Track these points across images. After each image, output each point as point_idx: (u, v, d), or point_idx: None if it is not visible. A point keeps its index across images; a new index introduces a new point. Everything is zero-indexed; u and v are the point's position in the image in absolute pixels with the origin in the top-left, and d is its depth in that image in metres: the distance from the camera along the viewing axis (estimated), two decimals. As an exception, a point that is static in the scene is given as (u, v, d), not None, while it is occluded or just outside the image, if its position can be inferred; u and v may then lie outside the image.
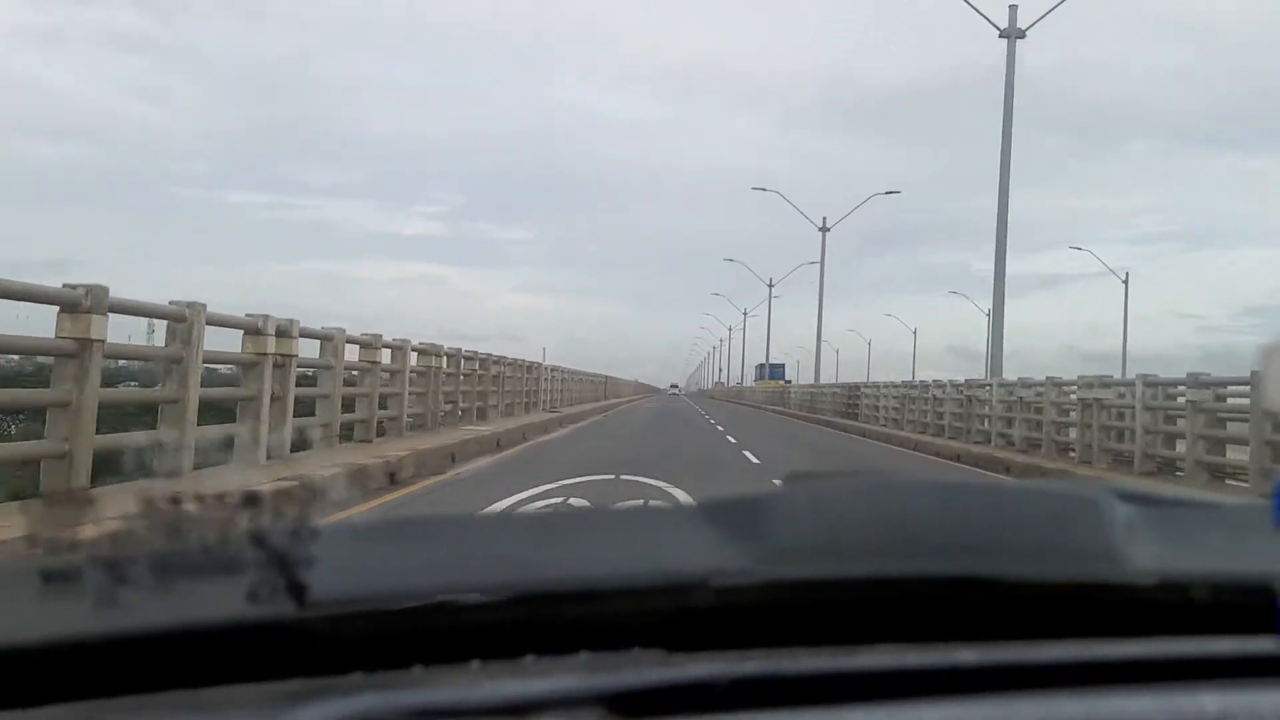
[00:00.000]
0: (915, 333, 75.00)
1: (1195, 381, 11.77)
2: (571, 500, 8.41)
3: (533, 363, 25.33)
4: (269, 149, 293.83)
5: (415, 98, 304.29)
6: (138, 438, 7.69)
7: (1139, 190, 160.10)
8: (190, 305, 8.34)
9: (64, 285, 6.68)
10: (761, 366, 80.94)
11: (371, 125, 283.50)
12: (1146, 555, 0.76)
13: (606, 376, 52.31)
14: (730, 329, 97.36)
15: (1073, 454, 14.77)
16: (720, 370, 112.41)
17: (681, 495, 8.51)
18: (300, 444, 10.35)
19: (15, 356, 8.02)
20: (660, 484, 9.33)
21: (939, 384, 22.17)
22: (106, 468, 6.83)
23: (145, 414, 8.55)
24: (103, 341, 6.82)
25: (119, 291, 7.13)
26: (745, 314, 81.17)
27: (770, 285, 61.20)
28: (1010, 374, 19.56)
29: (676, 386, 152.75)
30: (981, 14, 21.89)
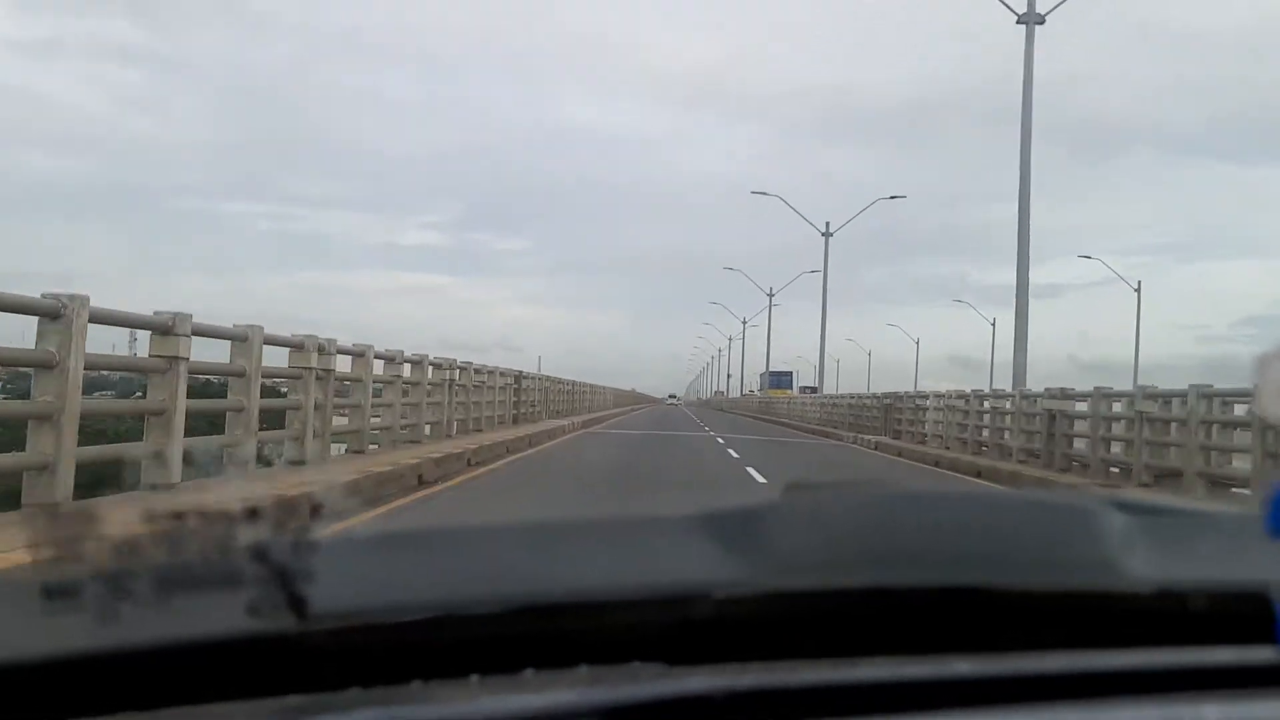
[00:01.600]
0: (918, 343, 73.30)
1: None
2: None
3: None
4: (267, 160, 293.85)
5: (414, 109, 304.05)
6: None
7: (1137, 201, 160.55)
8: (71, 298, 6.73)
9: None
10: (774, 374, 76.92)
11: (370, 136, 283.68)
12: (1144, 564, 0.76)
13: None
14: (730, 339, 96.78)
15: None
16: (728, 377, 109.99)
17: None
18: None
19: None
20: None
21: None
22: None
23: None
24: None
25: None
26: (745, 323, 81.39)
27: (770, 294, 61.51)
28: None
29: (675, 397, 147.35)
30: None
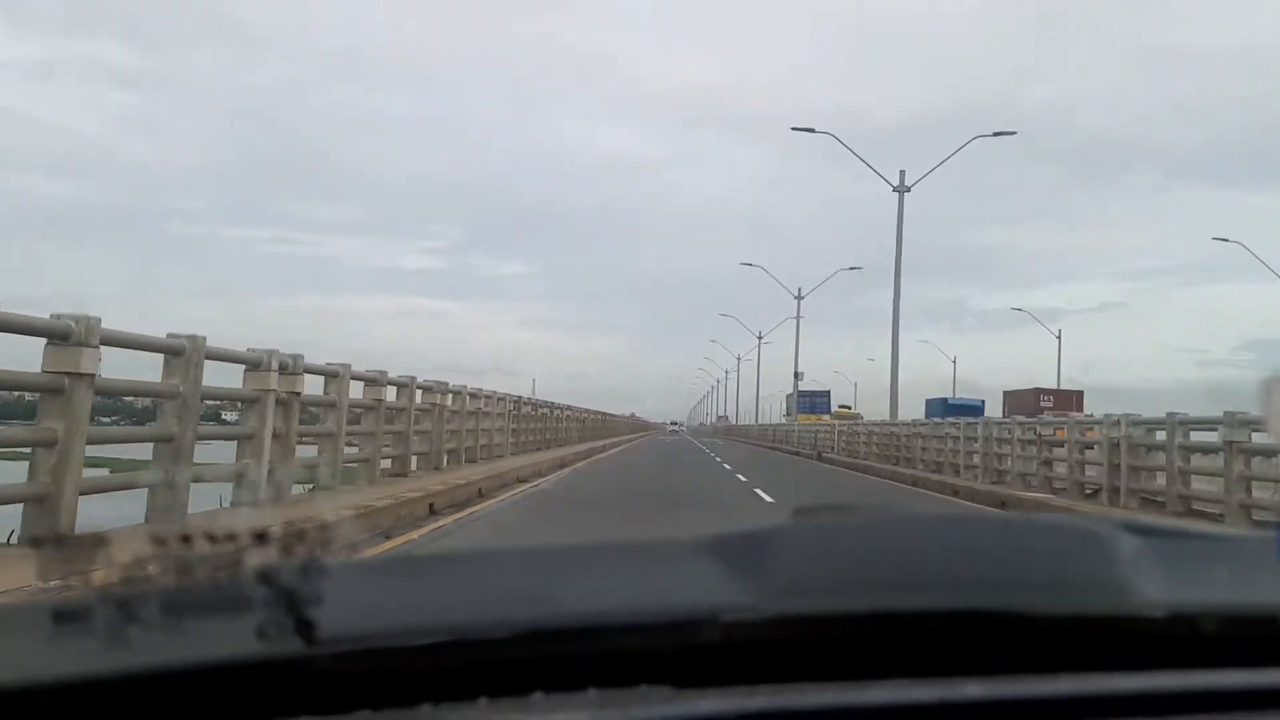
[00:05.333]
0: (955, 361, 70.10)
1: None
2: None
3: None
4: (267, 185, 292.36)
5: (413, 132, 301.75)
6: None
7: (1138, 224, 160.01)
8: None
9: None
10: (802, 395, 61.63)
11: (370, 160, 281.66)
12: (1154, 587, 0.76)
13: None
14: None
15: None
16: (742, 402, 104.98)
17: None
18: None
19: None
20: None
21: None
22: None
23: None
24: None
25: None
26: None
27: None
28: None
29: (678, 424, 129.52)
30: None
